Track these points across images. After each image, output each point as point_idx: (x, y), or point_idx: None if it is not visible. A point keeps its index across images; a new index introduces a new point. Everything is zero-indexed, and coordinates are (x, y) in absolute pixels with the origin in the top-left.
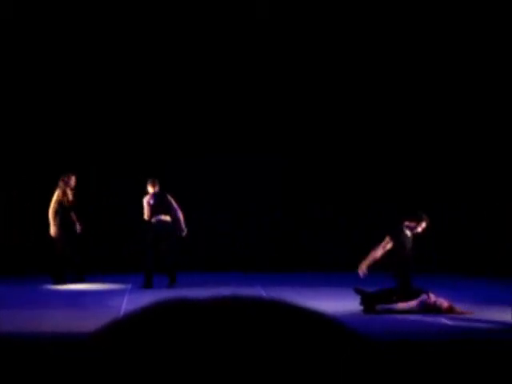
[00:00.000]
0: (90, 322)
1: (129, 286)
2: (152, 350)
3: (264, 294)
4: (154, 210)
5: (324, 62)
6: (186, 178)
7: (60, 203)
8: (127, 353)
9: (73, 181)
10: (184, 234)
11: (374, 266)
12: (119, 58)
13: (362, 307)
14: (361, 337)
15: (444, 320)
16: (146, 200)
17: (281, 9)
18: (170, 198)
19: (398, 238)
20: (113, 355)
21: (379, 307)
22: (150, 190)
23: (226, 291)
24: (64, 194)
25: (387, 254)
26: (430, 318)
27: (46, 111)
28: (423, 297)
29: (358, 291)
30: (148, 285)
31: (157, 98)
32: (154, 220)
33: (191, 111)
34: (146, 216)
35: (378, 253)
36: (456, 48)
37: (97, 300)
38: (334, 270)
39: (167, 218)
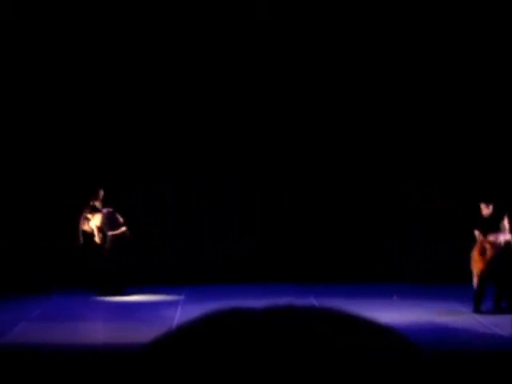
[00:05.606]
0: (143, 333)
1: (182, 298)
2: (206, 362)
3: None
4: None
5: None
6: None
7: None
8: (182, 363)
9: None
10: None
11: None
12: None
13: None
14: (414, 345)
15: (498, 330)
16: None
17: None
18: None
19: None
20: (167, 366)
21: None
22: None
23: (279, 301)
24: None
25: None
26: (482, 329)
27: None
28: None
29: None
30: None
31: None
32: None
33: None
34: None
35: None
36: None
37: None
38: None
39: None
